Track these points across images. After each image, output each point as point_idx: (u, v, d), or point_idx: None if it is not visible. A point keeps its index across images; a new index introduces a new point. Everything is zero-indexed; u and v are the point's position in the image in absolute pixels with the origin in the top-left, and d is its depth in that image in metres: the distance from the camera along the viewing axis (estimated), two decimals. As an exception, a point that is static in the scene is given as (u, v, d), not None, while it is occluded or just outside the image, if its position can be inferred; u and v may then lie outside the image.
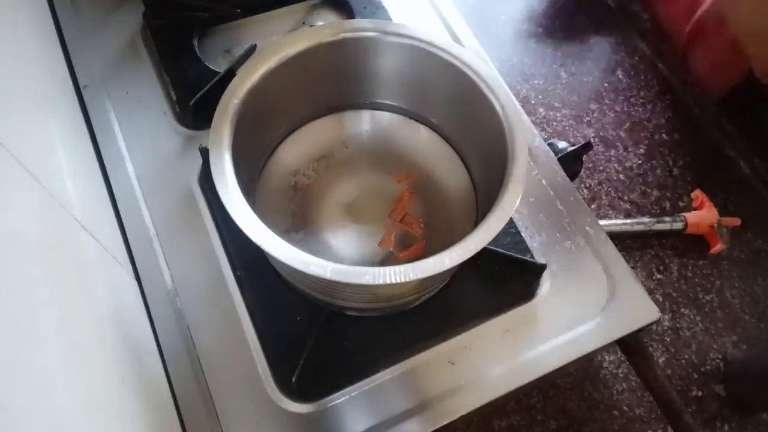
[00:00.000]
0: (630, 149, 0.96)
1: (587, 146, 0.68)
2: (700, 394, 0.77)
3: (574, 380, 0.75)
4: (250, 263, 0.54)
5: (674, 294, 0.84)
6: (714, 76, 0.98)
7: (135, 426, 0.39)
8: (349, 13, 0.70)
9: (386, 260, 0.54)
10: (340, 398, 0.50)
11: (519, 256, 0.55)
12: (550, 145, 0.66)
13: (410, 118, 0.60)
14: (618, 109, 1.00)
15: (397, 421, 0.49)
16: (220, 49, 0.67)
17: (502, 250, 0.55)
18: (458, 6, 0.73)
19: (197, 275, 0.54)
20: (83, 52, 0.65)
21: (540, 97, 0.99)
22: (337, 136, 0.59)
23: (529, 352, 0.53)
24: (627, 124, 0.98)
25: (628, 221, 0.86)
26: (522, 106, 0.90)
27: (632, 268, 0.60)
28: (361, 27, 0.52)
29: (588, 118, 0.98)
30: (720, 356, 0.79)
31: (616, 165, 0.94)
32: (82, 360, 0.35)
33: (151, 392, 0.45)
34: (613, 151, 0.95)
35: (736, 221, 0.88)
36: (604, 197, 0.91)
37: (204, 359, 0.50)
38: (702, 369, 0.78)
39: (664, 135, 0.98)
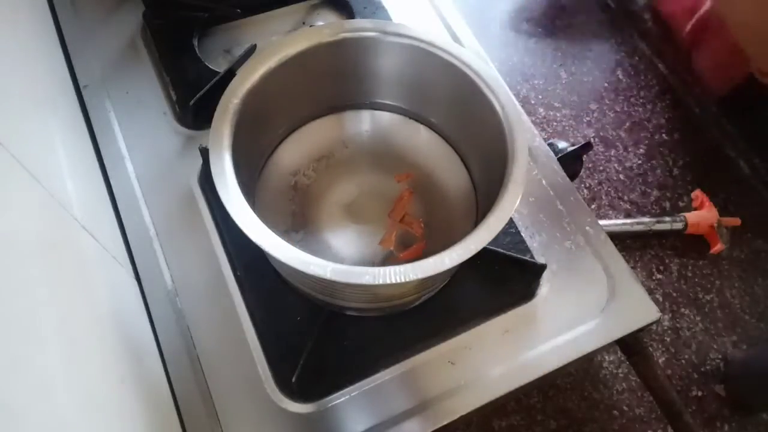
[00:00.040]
0: (630, 149, 0.96)
1: (587, 146, 0.68)
2: (700, 394, 0.77)
3: (574, 380, 0.75)
4: (250, 263, 0.54)
5: (674, 294, 0.84)
6: (716, 74, 0.98)
7: (135, 426, 0.39)
8: (349, 13, 0.70)
9: (386, 260, 0.54)
10: (340, 398, 0.50)
11: (519, 256, 0.55)
12: (550, 145, 0.66)
13: (410, 118, 0.60)
14: (618, 109, 1.00)
15: (397, 421, 0.49)
16: (220, 49, 0.67)
17: (502, 250, 0.55)
18: (458, 6, 0.73)
19: (197, 275, 0.54)
20: (83, 52, 0.65)
21: (540, 97, 0.99)
22: (337, 136, 0.59)
23: (529, 352, 0.53)
24: (627, 124, 0.98)
25: (628, 221, 0.86)
26: (522, 106, 0.90)
27: (632, 268, 0.60)
28: (361, 27, 0.52)
29: (588, 118, 0.98)
30: (720, 356, 0.79)
31: (616, 165, 0.94)
32: (82, 360, 0.35)
33: (151, 392, 0.45)
34: (613, 151, 0.95)
35: (736, 221, 0.88)
36: (604, 197, 0.91)
37: (204, 359, 0.50)
38: (702, 369, 0.78)
39: (664, 135, 0.98)
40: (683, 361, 0.79)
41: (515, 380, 0.52)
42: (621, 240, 0.85)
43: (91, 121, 0.61)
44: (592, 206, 0.90)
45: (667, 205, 0.91)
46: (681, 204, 0.91)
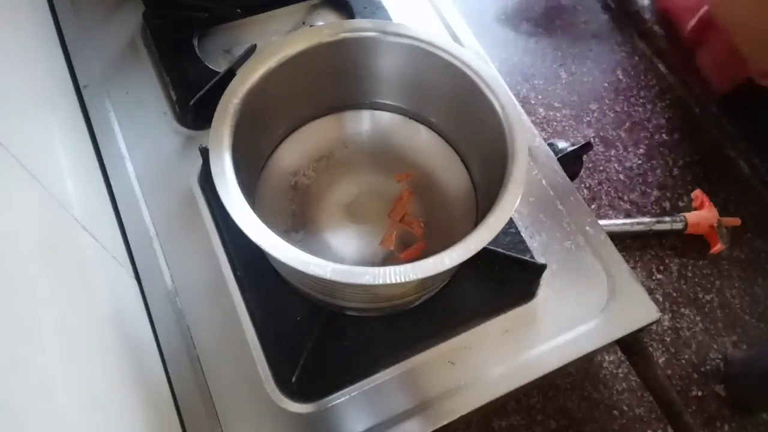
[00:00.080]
0: (630, 149, 0.96)
1: (587, 146, 0.68)
2: (700, 394, 0.77)
3: (574, 380, 0.75)
4: (250, 263, 0.54)
5: (674, 294, 0.84)
6: (718, 73, 0.98)
7: (135, 426, 0.39)
8: (349, 13, 0.70)
9: (386, 260, 0.54)
10: (340, 398, 0.50)
11: (519, 256, 0.55)
12: (550, 145, 0.66)
13: (410, 118, 0.60)
14: (618, 109, 1.00)
15: (397, 421, 0.49)
16: (220, 49, 0.67)
17: (502, 250, 0.55)
18: (458, 6, 0.73)
19: (197, 275, 0.54)
20: (83, 52, 0.65)
21: (540, 97, 0.99)
22: (337, 136, 0.59)
23: (529, 352, 0.53)
24: (627, 124, 0.98)
25: (628, 221, 0.86)
26: (522, 106, 0.90)
27: (632, 268, 0.60)
28: (361, 27, 0.52)
29: (588, 118, 0.98)
30: (720, 356, 0.79)
31: (616, 165, 0.94)
32: (82, 360, 0.35)
33: (151, 392, 0.45)
34: (613, 151, 0.95)
35: (736, 221, 0.88)
36: (604, 197, 0.91)
37: (204, 359, 0.50)
38: (702, 369, 0.78)
39: (664, 135, 0.98)
40: (683, 361, 0.79)
41: (515, 380, 0.52)
42: (621, 240, 0.85)
43: (91, 121, 0.61)
44: (592, 206, 0.89)
45: (667, 205, 0.91)
46: (681, 204, 0.91)
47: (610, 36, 1.08)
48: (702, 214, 0.87)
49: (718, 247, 0.85)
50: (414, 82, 0.55)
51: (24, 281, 0.32)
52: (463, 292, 0.54)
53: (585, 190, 0.91)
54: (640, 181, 0.93)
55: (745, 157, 0.96)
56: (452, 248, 0.42)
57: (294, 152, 0.58)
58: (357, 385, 0.51)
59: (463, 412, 0.50)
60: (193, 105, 0.59)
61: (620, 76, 1.03)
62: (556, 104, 0.99)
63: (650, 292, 0.83)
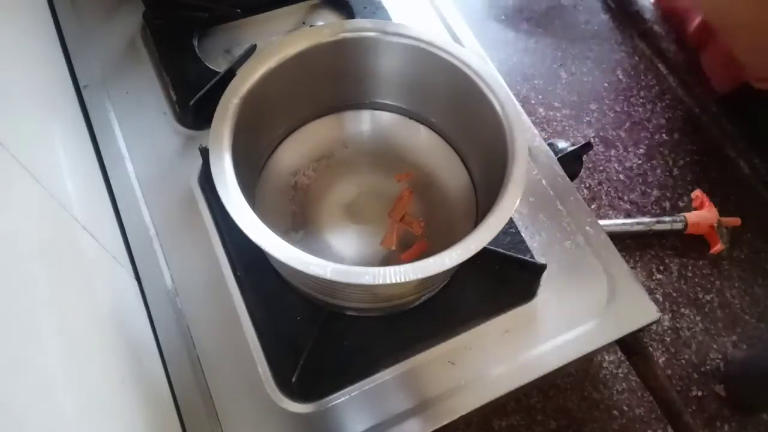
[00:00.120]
0: (630, 149, 0.96)
1: (587, 146, 0.68)
2: (700, 394, 0.77)
3: (574, 380, 0.75)
4: (250, 263, 0.54)
5: (674, 294, 0.84)
6: (721, 73, 0.98)
7: (135, 426, 0.39)
8: (349, 13, 0.70)
9: (386, 260, 0.54)
10: (340, 398, 0.50)
11: (519, 256, 0.55)
12: (550, 145, 0.66)
13: (410, 118, 0.60)
14: (618, 109, 1.00)
15: (397, 421, 0.49)
16: (220, 49, 0.67)
17: (502, 250, 0.55)
18: (458, 6, 0.73)
19: (197, 275, 0.54)
20: (83, 52, 0.65)
21: (540, 97, 0.99)
22: (337, 136, 0.59)
23: (529, 352, 0.53)
24: (627, 124, 0.98)
25: (628, 221, 0.86)
26: (522, 106, 0.90)
27: (632, 268, 0.60)
28: (361, 27, 0.52)
29: (588, 118, 0.98)
30: (720, 356, 0.79)
31: (616, 165, 0.94)
32: (82, 360, 0.35)
33: (151, 392, 0.45)
34: (613, 151, 0.95)
35: (736, 221, 0.88)
36: (604, 197, 0.91)
37: (204, 359, 0.50)
38: (702, 369, 0.78)
39: (664, 135, 0.98)
40: (683, 361, 0.79)
41: (515, 380, 0.52)
42: (621, 240, 0.85)
43: (91, 121, 0.61)
44: (592, 206, 0.89)
45: (667, 205, 0.91)
46: (681, 204, 0.91)
47: (610, 36, 1.08)
48: (702, 214, 0.87)
49: (718, 247, 0.85)
50: (414, 82, 0.55)
51: (24, 281, 0.32)
52: (463, 292, 0.54)
53: (585, 190, 0.91)
54: (640, 181, 0.93)
55: (745, 157, 0.96)
56: (452, 248, 0.42)
57: (294, 152, 0.58)
58: (357, 385, 0.51)
59: (463, 412, 0.50)
60: (193, 105, 0.59)
61: (620, 76, 1.03)
62: (556, 104, 0.99)
63: (650, 292, 0.83)
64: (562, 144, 0.68)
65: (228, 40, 0.68)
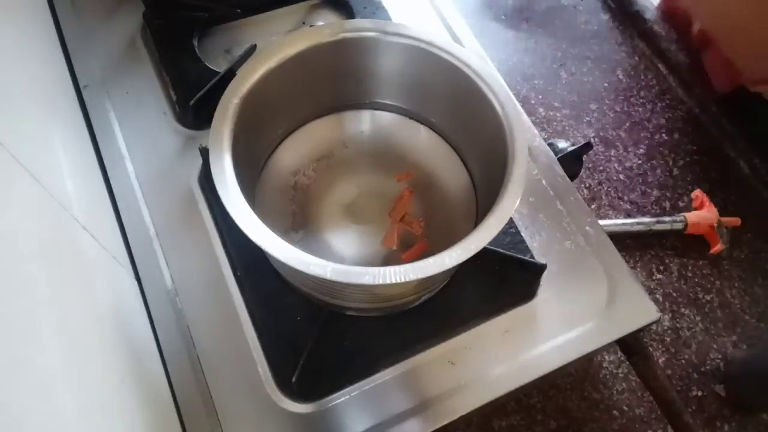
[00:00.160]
0: (630, 149, 0.96)
1: (587, 146, 0.68)
2: (700, 394, 0.77)
3: (574, 380, 0.75)
4: (250, 263, 0.54)
5: (674, 294, 0.84)
6: (721, 75, 0.98)
7: (135, 426, 0.39)
8: (349, 13, 0.70)
9: (387, 260, 0.54)
10: (340, 398, 0.50)
11: (519, 256, 0.55)
12: (550, 145, 0.66)
13: (410, 118, 0.60)
14: (618, 109, 1.00)
15: (397, 421, 0.49)
16: (220, 49, 0.67)
17: (502, 250, 0.55)
18: (458, 6, 0.73)
19: (197, 275, 0.54)
20: (83, 52, 0.65)
21: (540, 97, 0.99)
22: (337, 136, 0.59)
23: (529, 352, 0.53)
24: (627, 124, 0.98)
25: (628, 221, 0.86)
26: (522, 106, 0.89)
27: (632, 268, 0.60)
28: (361, 27, 0.52)
29: (588, 118, 0.98)
30: (720, 356, 0.79)
31: (616, 165, 0.94)
32: (82, 360, 0.35)
33: (151, 392, 0.45)
34: (613, 151, 0.95)
35: (736, 221, 0.88)
36: (604, 197, 0.91)
37: (204, 359, 0.50)
38: (702, 369, 0.78)
39: (664, 135, 0.98)
40: (683, 361, 0.79)
41: (515, 380, 0.52)
42: (621, 240, 0.85)
43: (91, 121, 0.61)
44: (592, 206, 0.89)
45: (667, 205, 0.91)
46: (681, 204, 0.91)
47: (610, 36, 1.08)
48: (702, 214, 0.87)
49: (718, 247, 0.85)
50: (414, 82, 0.55)
51: (24, 281, 0.32)
52: (463, 292, 0.54)
53: (585, 190, 0.91)
54: (640, 181, 0.93)
55: (745, 157, 0.96)
56: (452, 248, 0.42)
57: (294, 152, 0.58)
58: (357, 385, 0.51)
59: (463, 412, 0.50)
60: (193, 105, 0.59)
61: (620, 76, 1.03)
62: (556, 104, 0.98)
63: (650, 292, 0.83)
64: (562, 144, 0.68)
65: (228, 40, 0.68)
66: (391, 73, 0.55)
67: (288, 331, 0.51)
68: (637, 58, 1.06)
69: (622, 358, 0.76)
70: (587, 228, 0.60)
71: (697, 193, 0.90)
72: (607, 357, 0.77)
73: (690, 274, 0.85)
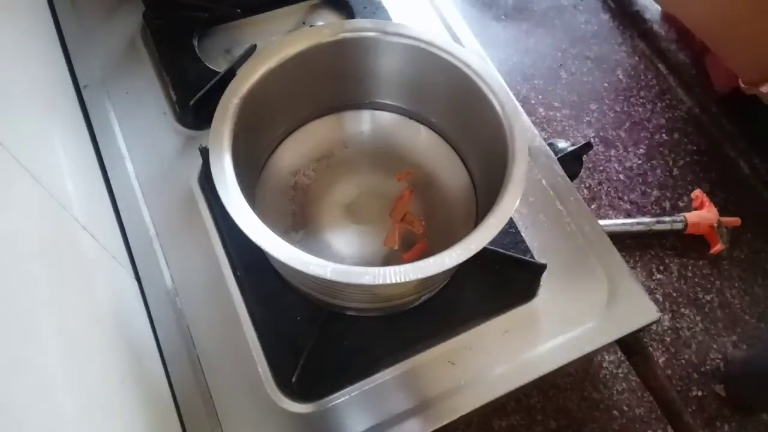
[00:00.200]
0: (630, 149, 0.96)
1: (587, 146, 0.68)
2: (700, 394, 0.77)
3: (574, 380, 0.75)
4: (250, 263, 0.54)
5: (674, 294, 0.84)
6: (723, 73, 0.98)
7: (135, 426, 0.39)
8: (349, 13, 0.70)
9: (387, 260, 0.54)
10: (340, 398, 0.50)
11: (519, 256, 0.55)
12: (550, 145, 0.66)
13: (410, 118, 0.60)
14: (618, 109, 1.00)
15: (397, 421, 0.49)
16: (220, 49, 0.67)
17: (502, 250, 0.55)
18: (458, 6, 0.73)
19: (197, 275, 0.54)
20: (83, 52, 0.65)
21: (540, 97, 0.99)
22: (337, 136, 0.59)
23: (529, 352, 0.53)
24: (627, 124, 0.98)
25: (628, 221, 0.86)
26: (522, 106, 0.89)
27: (632, 268, 0.60)
28: (361, 27, 0.52)
29: (588, 118, 0.98)
30: (720, 356, 0.79)
31: (616, 165, 0.94)
32: (82, 360, 0.35)
33: (151, 392, 0.45)
34: (613, 151, 0.95)
35: (736, 221, 0.88)
36: (604, 197, 0.91)
37: (204, 359, 0.50)
38: (702, 369, 0.78)
39: (664, 135, 0.98)
40: (683, 361, 0.78)
41: (515, 380, 0.52)
42: (621, 240, 0.85)
43: (91, 121, 0.61)
44: (592, 206, 0.89)
45: (667, 205, 0.91)
46: (681, 204, 0.91)
47: (610, 36, 1.08)
48: (702, 214, 0.87)
49: (718, 247, 0.85)
50: (414, 82, 0.55)
51: (24, 281, 0.32)
52: (463, 292, 0.54)
53: (585, 190, 0.91)
54: (640, 181, 0.93)
55: (745, 157, 0.96)
56: (452, 248, 0.42)
57: (294, 152, 0.58)
58: (357, 385, 0.51)
59: (463, 412, 0.50)
60: (193, 105, 0.59)
61: (620, 76, 1.03)
62: (556, 104, 0.98)
63: (650, 292, 0.83)
64: (562, 144, 0.68)
65: (228, 40, 0.68)
66: (391, 73, 0.55)
67: (288, 331, 0.51)
68: (637, 58, 1.06)
69: (622, 358, 0.76)
70: (587, 228, 0.60)
71: (697, 193, 0.90)
72: (607, 357, 0.77)
73: (690, 274, 0.85)
